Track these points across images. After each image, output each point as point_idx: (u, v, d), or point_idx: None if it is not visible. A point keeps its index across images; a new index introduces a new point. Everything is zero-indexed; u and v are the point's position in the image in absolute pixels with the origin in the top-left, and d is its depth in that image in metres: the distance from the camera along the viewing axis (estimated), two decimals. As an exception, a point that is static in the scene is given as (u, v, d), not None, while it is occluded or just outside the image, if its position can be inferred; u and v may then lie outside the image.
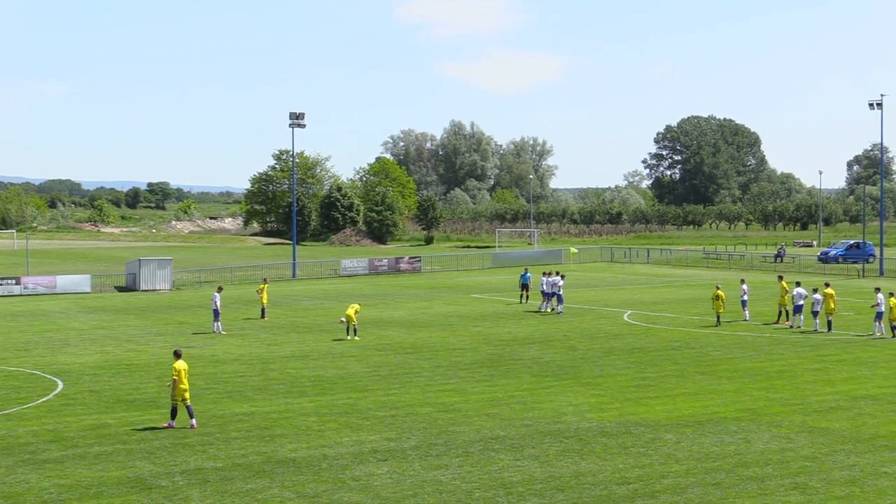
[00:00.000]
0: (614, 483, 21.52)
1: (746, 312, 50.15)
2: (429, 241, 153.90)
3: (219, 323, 47.26)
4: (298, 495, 20.86)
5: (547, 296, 55.19)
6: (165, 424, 27.16)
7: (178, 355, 27.60)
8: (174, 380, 26.97)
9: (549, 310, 54.74)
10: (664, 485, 21.37)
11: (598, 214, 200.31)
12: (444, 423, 27.50)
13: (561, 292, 54.69)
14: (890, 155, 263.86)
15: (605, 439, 25.50)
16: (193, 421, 27.11)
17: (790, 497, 20.46)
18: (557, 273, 56.58)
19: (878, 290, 45.96)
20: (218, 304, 47.24)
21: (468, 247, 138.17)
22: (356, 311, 45.13)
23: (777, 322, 48.54)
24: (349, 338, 44.54)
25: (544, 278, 55.83)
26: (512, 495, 20.71)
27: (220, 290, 48.86)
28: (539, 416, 28.32)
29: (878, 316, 44.54)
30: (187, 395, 27.15)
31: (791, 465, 22.93)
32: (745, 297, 50.58)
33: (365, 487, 21.36)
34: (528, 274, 62.21)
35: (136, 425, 27.42)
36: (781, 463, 23.09)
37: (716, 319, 48.82)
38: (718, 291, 49.34)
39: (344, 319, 45.26)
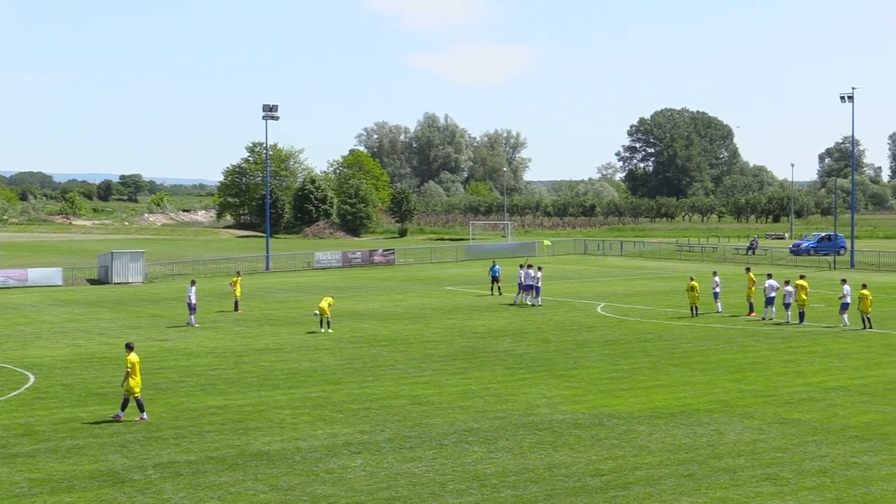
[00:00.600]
0: (588, 475, 21.59)
1: (719, 304, 50.47)
2: (402, 233, 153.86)
3: (193, 316, 47.11)
4: (272, 488, 20.82)
5: (525, 288, 55.17)
6: (137, 418, 27.09)
7: (130, 348, 27.55)
8: (127, 372, 26.93)
9: (528, 302, 54.75)
10: (637, 476, 21.46)
11: (572, 207, 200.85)
12: (418, 416, 27.52)
13: (539, 284, 54.78)
14: (861, 148, 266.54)
15: (579, 431, 25.57)
16: (145, 414, 27.17)
17: (762, 488, 20.59)
18: (531, 265, 56.62)
19: (843, 281, 46.31)
20: (193, 297, 47.05)
21: (442, 239, 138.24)
22: (330, 304, 45.07)
23: (750, 314, 48.78)
24: (323, 330, 44.48)
25: (521, 271, 55.84)
26: (486, 487, 20.75)
27: (193, 283, 48.62)
28: (513, 409, 28.38)
29: (844, 307, 44.85)
30: (138, 388, 27.09)
31: (763, 456, 23.07)
32: (718, 290, 50.90)
33: (338, 480, 21.35)
34: (497, 266, 62.30)
35: (108, 418, 27.28)
36: (753, 454, 23.23)
37: (691, 311, 49.06)
38: (693, 283, 49.55)
39: (317, 312, 45.18)
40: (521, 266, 56.89)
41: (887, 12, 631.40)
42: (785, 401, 29.24)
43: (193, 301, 47.06)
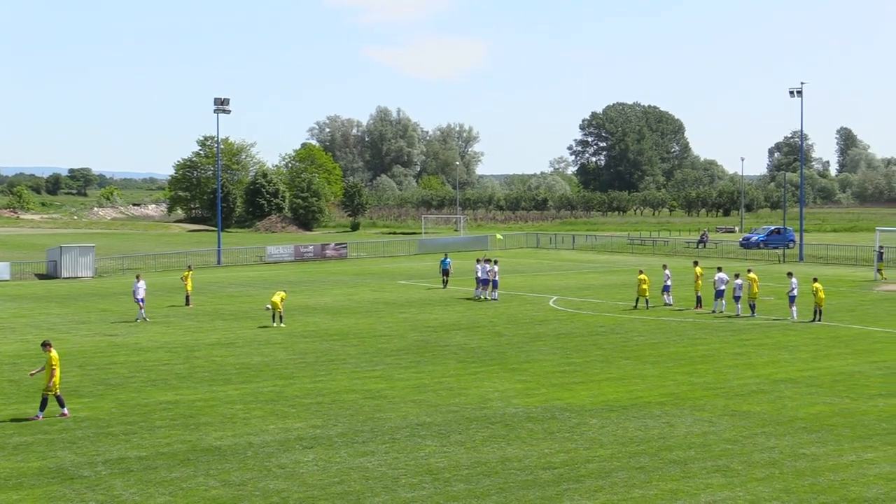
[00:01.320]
0: (540, 468, 21.67)
1: (670, 298, 50.76)
2: (355, 227, 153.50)
3: (143, 310, 46.52)
4: (224, 483, 20.71)
5: (482, 282, 55.15)
6: (34, 416, 26.55)
7: (49, 345, 27.15)
8: (53, 369, 26.55)
9: (484, 297, 54.76)
10: (589, 469, 21.57)
11: (524, 201, 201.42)
12: (371, 410, 27.48)
13: (496, 278, 54.84)
14: (809, 142, 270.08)
15: (531, 424, 25.66)
16: (41, 414, 26.69)
17: (712, 479, 20.77)
18: (488, 259, 56.64)
19: (790, 274, 46.82)
20: (140, 291, 46.34)
21: (394, 233, 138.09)
22: (282, 299, 44.89)
23: (699, 308, 49.14)
24: (275, 325, 44.29)
25: (479, 265, 55.83)
26: (438, 481, 20.76)
27: (138, 277, 47.78)
28: (465, 402, 28.41)
29: (792, 300, 45.35)
30: (47, 387, 26.72)
31: (713, 448, 23.28)
32: (668, 283, 51.18)
33: (291, 475, 21.28)
34: (448, 259, 62.33)
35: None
36: (704, 446, 23.43)
37: (636, 302, 49.45)
38: (642, 276, 49.90)
39: (269, 306, 45.00)
40: (479, 260, 56.88)
41: (835, 9, 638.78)
42: (735, 393, 29.52)
43: (140, 296, 46.37)
